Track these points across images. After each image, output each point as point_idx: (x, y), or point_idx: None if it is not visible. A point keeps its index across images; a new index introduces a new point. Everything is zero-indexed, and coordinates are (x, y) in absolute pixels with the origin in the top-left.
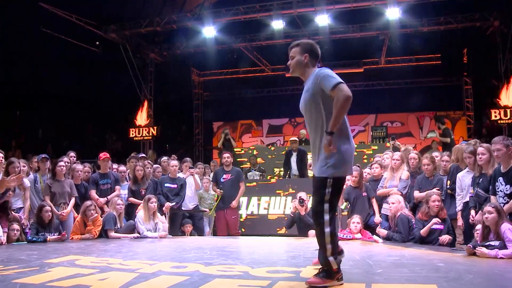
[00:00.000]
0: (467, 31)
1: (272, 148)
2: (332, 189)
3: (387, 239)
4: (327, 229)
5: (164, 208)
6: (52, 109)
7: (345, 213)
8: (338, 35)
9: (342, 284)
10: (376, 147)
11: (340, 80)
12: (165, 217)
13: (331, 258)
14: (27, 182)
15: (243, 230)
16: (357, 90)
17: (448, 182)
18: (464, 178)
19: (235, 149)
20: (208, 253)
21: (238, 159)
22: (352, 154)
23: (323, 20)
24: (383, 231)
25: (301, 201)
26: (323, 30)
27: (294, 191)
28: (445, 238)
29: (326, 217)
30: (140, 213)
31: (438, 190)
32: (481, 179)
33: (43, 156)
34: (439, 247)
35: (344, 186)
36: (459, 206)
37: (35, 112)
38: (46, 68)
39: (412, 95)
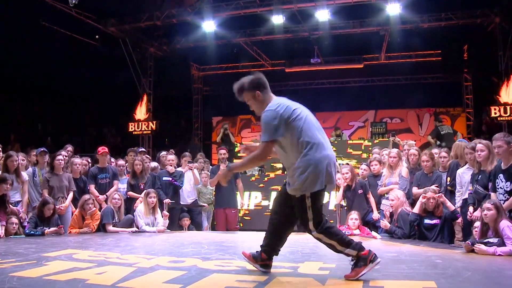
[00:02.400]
0: (468, 28)
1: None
2: (312, 205)
3: (389, 232)
4: (320, 234)
5: (165, 205)
6: (51, 103)
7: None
8: (338, 30)
9: (379, 261)
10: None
11: (268, 138)
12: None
13: (347, 250)
14: (25, 175)
15: (241, 225)
16: (357, 86)
17: (448, 178)
18: (464, 174)
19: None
20: (206, 248)
21: (239, 154)
22: (324, 163)
23: (323, 15)
24: (386, 223)
25: None
26: (323, 26)
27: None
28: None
29: (314, 231)
30: (140, 206)
31: (437, 186)
32: (480, 176)
33: (42, 149)
34: (437, 243)
35: (341, 185)
36: (458, 202)
37: (34, 106)
38: (45, 61)
39: (412, 91)
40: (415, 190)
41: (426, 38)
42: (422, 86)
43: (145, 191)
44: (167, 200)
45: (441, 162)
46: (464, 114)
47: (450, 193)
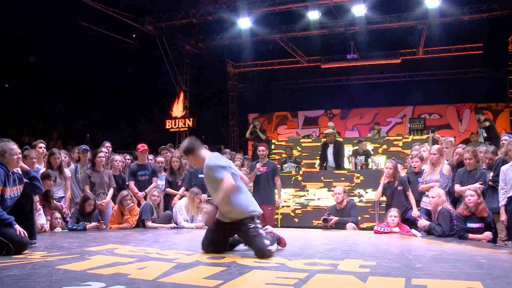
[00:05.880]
0: None
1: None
2: None
3: (428, 231)
4: None
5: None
6: (89, 100)
7: (383, 206)
8: (375, 25)
9: None
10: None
11: (223, 175)
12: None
13: None
14: (68, 172)
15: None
16: (394, 82)
17: (491, 174)
18: (509, 171)
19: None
20: (245, 244)
21: (274, 151)
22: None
23: (359, 10)
24: (425, 222)
25: (325, 220)
26: (359, 21)
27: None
28: (486, 235)
29: None
30: (181, 202)
31: (481, 184)
32: None
33: (84, 147)
34: (480, 243)
35: (382, 181)
36: (502, 200)
37: (73, 103)
38: (84, 60)
39: (451, 86)
40: (457, 187)
41: (467, 31)
42: (462, 81)
43: (192, 189)
44: (204, 197)
45: (487, 160)
46: (507, 109)
47: (493, 189)
